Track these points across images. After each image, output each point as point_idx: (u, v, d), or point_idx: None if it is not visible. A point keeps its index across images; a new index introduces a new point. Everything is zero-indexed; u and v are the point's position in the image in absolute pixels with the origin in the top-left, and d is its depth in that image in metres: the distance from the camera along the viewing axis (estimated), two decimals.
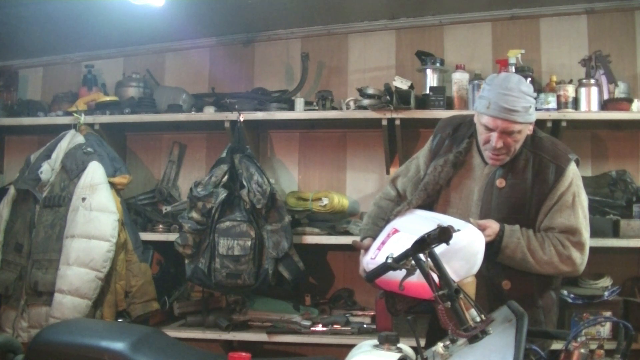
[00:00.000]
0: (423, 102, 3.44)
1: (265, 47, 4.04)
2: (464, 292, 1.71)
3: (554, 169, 2.35)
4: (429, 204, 2.50)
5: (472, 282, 2.17)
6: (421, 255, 1.79)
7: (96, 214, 3.33)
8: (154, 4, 3.21)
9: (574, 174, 2.38)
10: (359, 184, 3.85)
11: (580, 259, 2.35)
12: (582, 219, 2.37)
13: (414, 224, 2.26)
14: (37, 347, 2.15)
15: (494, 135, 2.31)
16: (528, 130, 2.37)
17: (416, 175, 2.59)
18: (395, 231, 2.31)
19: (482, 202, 2.40)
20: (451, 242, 1.91)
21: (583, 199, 2.40)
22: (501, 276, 2.36)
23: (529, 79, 3.36)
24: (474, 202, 2.42)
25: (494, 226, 2.30)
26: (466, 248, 2.08)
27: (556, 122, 3.28)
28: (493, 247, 2.29)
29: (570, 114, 3.31)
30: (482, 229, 2.24)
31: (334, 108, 3.59)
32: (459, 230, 1.97)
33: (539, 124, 3.32)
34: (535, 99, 2.37)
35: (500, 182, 2.38)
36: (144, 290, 3.46)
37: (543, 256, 2.30)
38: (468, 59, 3.68)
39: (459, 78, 3.50)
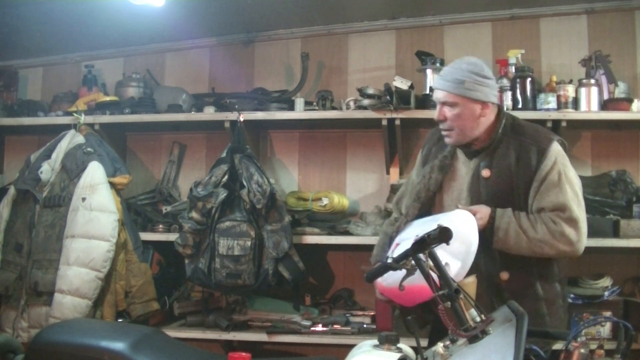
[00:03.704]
0: (423, 102, 3.44)
1: (265, 47, 4.04)
2: (464, 292, 1.71)
3: (536, 151, 2.35)
4: (426, 212, 2.51)
5: (473, 282, 2.17)
6: (421, 256, 1.79)
7: (96, 214, 3.33)
8: (154, 4, 3.21)
9: (557, 153, 2.35)
10: (359, 184, 3.85)
11: (576, 236, 2.28)
12: (572, 196, 2.31)
13: (413, 233, 2.26)
14: (37, 347, 2.16)
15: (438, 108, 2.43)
16: (476, 109, 2.36)
17: (413, 191, 2.60)
18: (397, 245, 2.34)
19: (471, 195, 2.40)
20: (445, 219, 2.08)
21: (571, 177, 2.35)
22: (499, 268, 2.34)
23: (529, 79, 3.39)
24: (464, 198, 2.43)
25: (484, 210, 2.32)
26: (458, 229, 2.08)
27: (556, 122, 3.28)
28: (487, 233, 2.29)
29: (570, 114, 3.31)
30: (473, 213, 2.27)
31: (334, 108, 3.59)
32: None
33: (539, 124, 3.32)
34: (486, 79, 2.38)
35: (485, 173, 2.39)
36: (144, 290, 3.46)
37: (536, 235, 2.28)
38: None
39: None
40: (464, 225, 2.17)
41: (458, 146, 2.48)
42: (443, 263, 1.97)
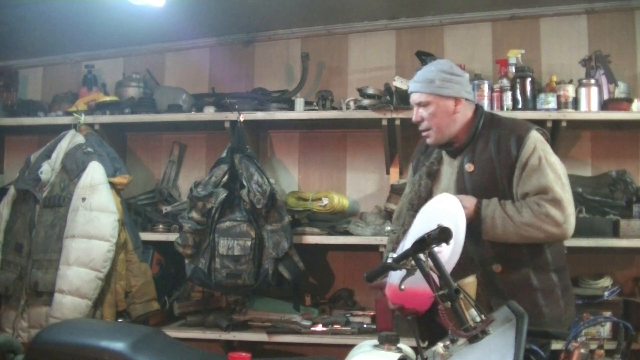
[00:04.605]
0: None
1: (265, 47, 4.04)
2: (464, 292, 1.71)
3: (515, 140, 2.37)
4: None
5: (473, 282, 2.17)
6: (421, 256, 1.79)
7: (96, 214, 3.33)
8: (154, 4, 3.21)
9: (536, 140, 2.37)
10: (359, 184, 3.85)
11: (562, 217, 2.27)
12: (554, 178, 2.31)
13: (412, 238, 2.27)
14: (37, 347, 2.15)
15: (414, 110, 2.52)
16: (449, 105, 2.43)
17: (406, 201, 2.65)
18: None
19: (457, 191, 2.44)
20: (429, 207, 2.29)
21: (553, 161, 2.36)
22: (492, 261, 2.34)
23: (529, 79, 3.39)
24: (452, 193, 2.45)
25: (470, 199, 2.35)
26: (444, 208, 2.22)
27: (556, 122, 3.28)
28: (475, 224, 2.31)
29: (570, 114, 3.31)
30: (461, 201, 2.30)
31: (334, 108, 3.59)
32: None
33: (539, 124, 3.33)
34: (456, 76, 2.46)
35: (469, 167, 2.43)
36: (144, 290, 3.46)
37: (522, 219, 2.28)
38: (468, 59, 3.68)
39: None
40: (448, 205, 2.24)
41: (440, 147, 2.55)
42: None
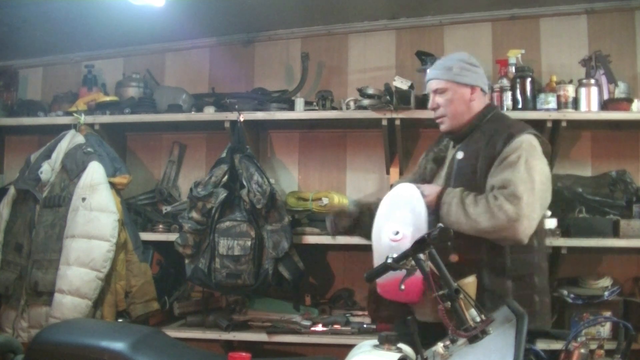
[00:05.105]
0: (423, 102, 3.42)
1: (265, 47, 4.04)
2: (464, 292, 1.71)
3: (505, 136, 2.40)
4: None
5: (473, 282, 2.18)
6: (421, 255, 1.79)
7: (96, 214, 3.33)
8: (154, 4, 3.21)
9: (525, 142, 2.37)
10: (359, 184, 3.85)
11: (514, 213, 2.21)
12: (524, 177, 2.28)
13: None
14: (37, 347, 2.15)
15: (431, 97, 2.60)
16: (466, 93, 2.51)
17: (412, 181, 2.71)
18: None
19: (446, 177, 2.52)
20: (389, 196, 2.45)
21: (533, 165, 2.32)
22: (450, 249, 2.30)
23: (529, 79, 3.38)
24: (442, 180, 2.54)
25: (431, 187, 2.44)
26: (402, 196, 2.39)
27: (556, 122, 3.28)
28: (437, 211, 2.36)
29: (570, 114, 3.31)
30: (421, 191, 2.39)
31: (334, 108, 3.59)
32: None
33: (539, 123, 3.33)
34: (473, 66, 2.56)
35: (459, 155, 2.50)
36: (144, 290, 3.46)
37: (475, 209, 2.28)
38: None
39: None
40: (405, 192, 2.39)
41: (446, 135, 2.62)
42: (394, 231, 2.26)
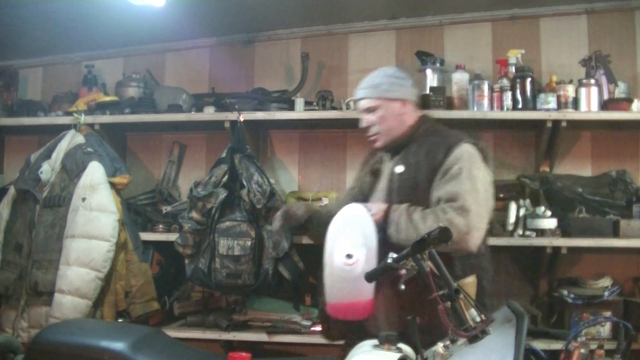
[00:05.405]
0: (423, 102, 3.43)
1: (265, 47, 4.04)
2: (464, 292, 1.71)
3: (444, 148, 2.41)
4: None
5: (473, 282, 2.18)
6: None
7: (96, 214, 3.33)
8: (154, 4, 3.21)
9: (464, 152, 2.39)
10: None
11: (465, 226, 2.22)
12: (469, 188, 2.29)
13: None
14: (37, 347, 2.16)
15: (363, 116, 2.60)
16: (397, 107, 2.52)
17: (350, 197, 2.73)
18: None
19: (386, 191, 2.51)
20: (339, 217, 2.39)
21: (475, 175, 2.34)
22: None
23: (529, 79, 3.38)
24: (383, 195, 2.53)
25: (379, 205, 2.41)
26: (351, 218, 2.35)
27: (556, 122, 3.28)
28: (385, 229, 2.35)
29: (570, 114, 3.31)
30: (369, 209, 2.37)
31: (334, 108, 3.59)
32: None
33: (539, 124, 3.34)
34: (401, 79, 2.59)
35: (398, 169, 2.49)
36: (144, 290, 3.46)
37: (424, 225, 2.25)
38: (468, 59, 3.67)
39: (459, 78, 3.50)
40: (354, 215, 2.36)
41: (384, 149, 2.61)
42: (347, 255, 2.25)
